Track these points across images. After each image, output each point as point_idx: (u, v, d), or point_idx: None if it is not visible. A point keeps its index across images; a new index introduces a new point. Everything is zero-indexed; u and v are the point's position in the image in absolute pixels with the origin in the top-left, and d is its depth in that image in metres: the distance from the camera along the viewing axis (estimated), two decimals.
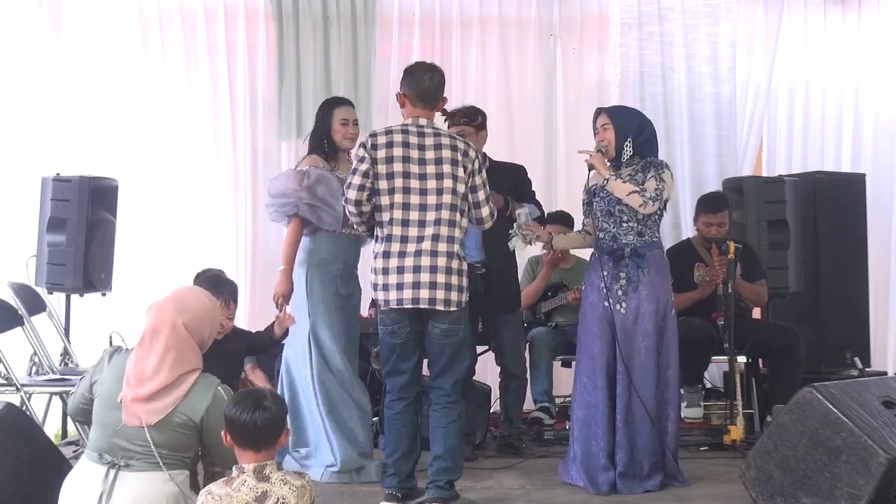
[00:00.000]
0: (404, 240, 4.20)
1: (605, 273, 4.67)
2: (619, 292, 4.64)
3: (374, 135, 4.31)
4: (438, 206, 4.21)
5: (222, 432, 3.08)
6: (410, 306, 4.18)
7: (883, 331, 7.43)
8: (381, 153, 4.24)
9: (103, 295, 6.15)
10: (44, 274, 5.93)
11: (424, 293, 4.15)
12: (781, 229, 6.25)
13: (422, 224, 4.20)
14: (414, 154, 4.24)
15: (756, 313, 6.36)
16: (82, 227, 5.91)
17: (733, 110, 7.34)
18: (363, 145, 4.30)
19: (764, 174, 7.29)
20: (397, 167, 4.22)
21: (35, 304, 5.80)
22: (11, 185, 6.55)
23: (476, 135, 5.19)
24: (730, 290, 5.42)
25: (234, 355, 4.48)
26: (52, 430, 5.72)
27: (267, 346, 4.82)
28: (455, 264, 4.21)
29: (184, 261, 6.36)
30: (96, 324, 6.01)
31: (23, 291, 5.72)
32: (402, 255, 4.19)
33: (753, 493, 4.00)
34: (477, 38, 7.25)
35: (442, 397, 4.29)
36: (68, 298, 6.11)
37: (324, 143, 4.97)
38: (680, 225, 7.18)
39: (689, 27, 7.32)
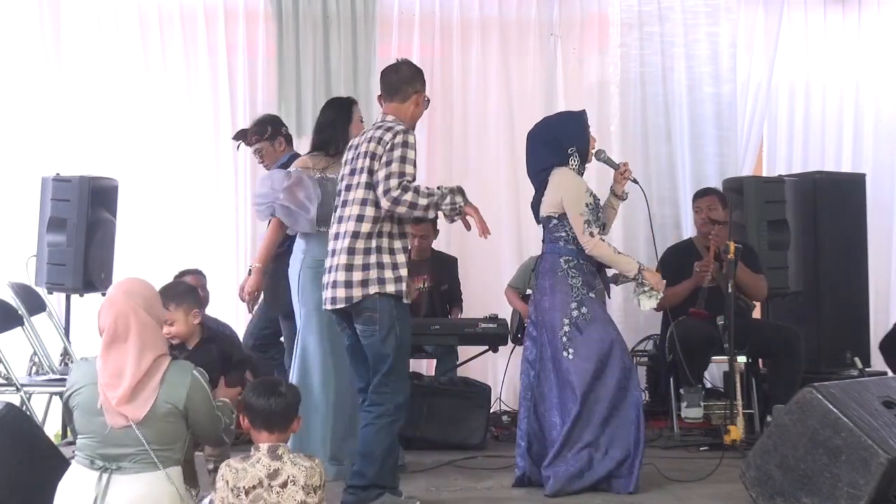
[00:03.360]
0: (331, 238, 4.25)
1: (598, 282, 4.70)
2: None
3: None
4: (346, 203, 4.16)
5: (240, 416, 3.29)
6: (328, 307, 4.18)
7: (883, 331, 7.38)
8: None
9: (103, 295, 6.10)
10: (44, 274, 5.93)
11: (329, 293, 4.17)
12: (781, 229, 6.25)
13: (339, 221, 4.21)
14: (349, 155, 4.31)
15: (756, 313, 6.37)
16: (82, 227, 5.91)
17: (733, 110, 7.34)
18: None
19: (764, 174, 7.29)
20: (344, 170, 4.32)
21: (35, 304, 5.80)
22: (11, 185, 6.55)
23: (272, 147, 5.30)
24: (730, 290, 5.42)
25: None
26: (52, 430, 5.72)
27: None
28: (357, 260, 4.05)
29: (184, 261, 6.35)
30: (96, 324, 5.99)
31: (23, 291, 5.73)
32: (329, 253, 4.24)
33: (753, 493, 4.00)
34: (477, 38, 7.25)
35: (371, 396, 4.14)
36: (68, 298, 6.11)
37: (338, 142, 4.91)
38: (680, 225, 7.19)
39: (689, 27, 7.33)
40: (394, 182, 4.00)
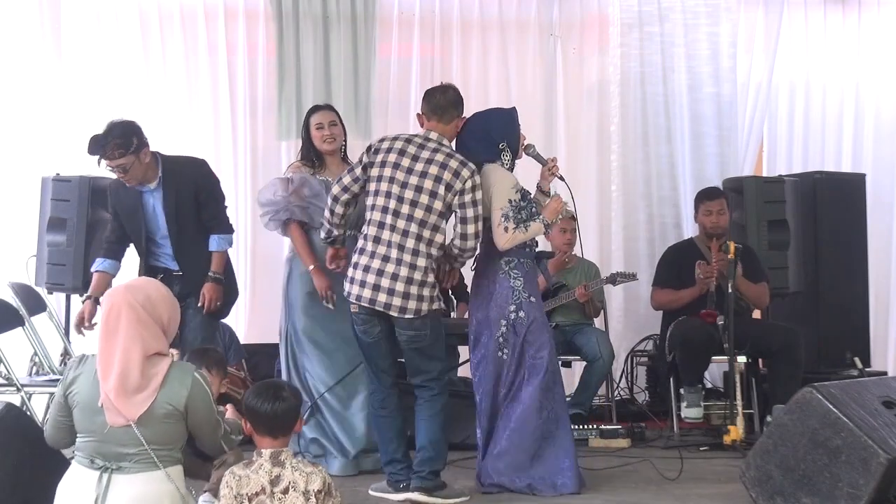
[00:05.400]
0: (376, 240, 4.33)
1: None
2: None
3: (381, 139, 4.50)
4: (410, 217, 4.32)
5: (242, 420, 3.26)
6: (367, 305, 4.31)
7: (883, 331, 7.44)
8: (379, 157, 4.41)
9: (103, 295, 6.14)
10: (44, 274, 5.94)
11: (382, 297, 4.27)
12: (781, 229, 6.26)
13: (393, 229, 4.32)
14: (405, 162, 4.38)
15: (756, 313, 6.37)
16: (82, 227, 5.92)
17: (733, 110, 7.34)
18: (367, 148, 4.48)
19: (764, 174, 7.30)
20: (386, 172, 4.38)
21: (35, 304, 5.79)
22: (11, 185, 6.55)
23: (138, 159, 4.70)
24: (730, 290, 5.42)
25: None
26: None
27: None
28: (417, 275, 4.28)
29: None
30: (96, 324, 6.00)
31: (23, 291, 5.72)
32: (372, 254, 4.33)
33: (753, 493, 4.00)
34: (477, 38, 7.26)
35: (424, 392, 4.41)
36: (68, 298, 6.11)
37: (310, 151, 5.12)
38: (681, 224, 7.19)
39: (689, 27, 7.33)
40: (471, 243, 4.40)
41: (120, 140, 4.66)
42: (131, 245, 5.04)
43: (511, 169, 4.62)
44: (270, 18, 6.97)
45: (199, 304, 4.85)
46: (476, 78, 7.23)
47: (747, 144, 7.43)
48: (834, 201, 6.59)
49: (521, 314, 4.51)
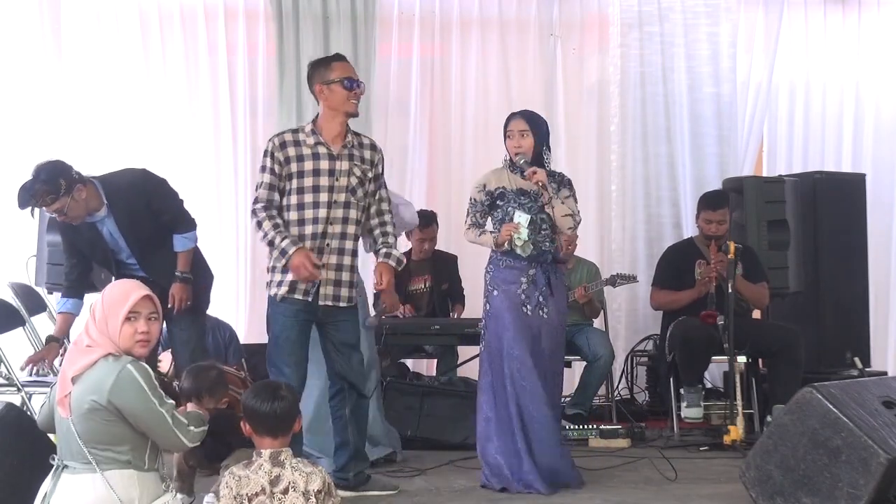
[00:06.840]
0: None
1: (525, 279, 4.56)
2: (541, 298, 4.56)
3: None
4: None
5: (241, 422, 3.24)
6: None
7: (883, 331, 7.44)
8: None
9: None
10: (44, 274, 5.93)
11: None
12: (781, 229, 6.26)
13: None
14: None
15: (756, 313, 6.37)
16: None
17: (733, 110, 7.35)
18: None
19: (764, 174, 7.30)
20: None
21: (35, 304, 5.80)
22: (11, 185, 6.53)
23: (73, 199, 4.55)
24: (730, 290, 5.42)
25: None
26: None
27: None
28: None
29: None
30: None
31: (23, 291, 5.73)
32: None
33: (753, 493, 4.00)
34: (477, 38, 7.26)
35: None
36: None
37: None
38: (680, 224, 7.20)
39: (689, 27, 7.33)
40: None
41: (47, 186, 4.49)
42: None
43: (514, 174, 4.62)
44: (270, 18, 6.97)
45: (170, 306, 4.68)
46: (476, 78, 7.24)
47: (747, 144, 7.44)
48: (834, 201, 6.59)
49: (488, 306, 4.60)
